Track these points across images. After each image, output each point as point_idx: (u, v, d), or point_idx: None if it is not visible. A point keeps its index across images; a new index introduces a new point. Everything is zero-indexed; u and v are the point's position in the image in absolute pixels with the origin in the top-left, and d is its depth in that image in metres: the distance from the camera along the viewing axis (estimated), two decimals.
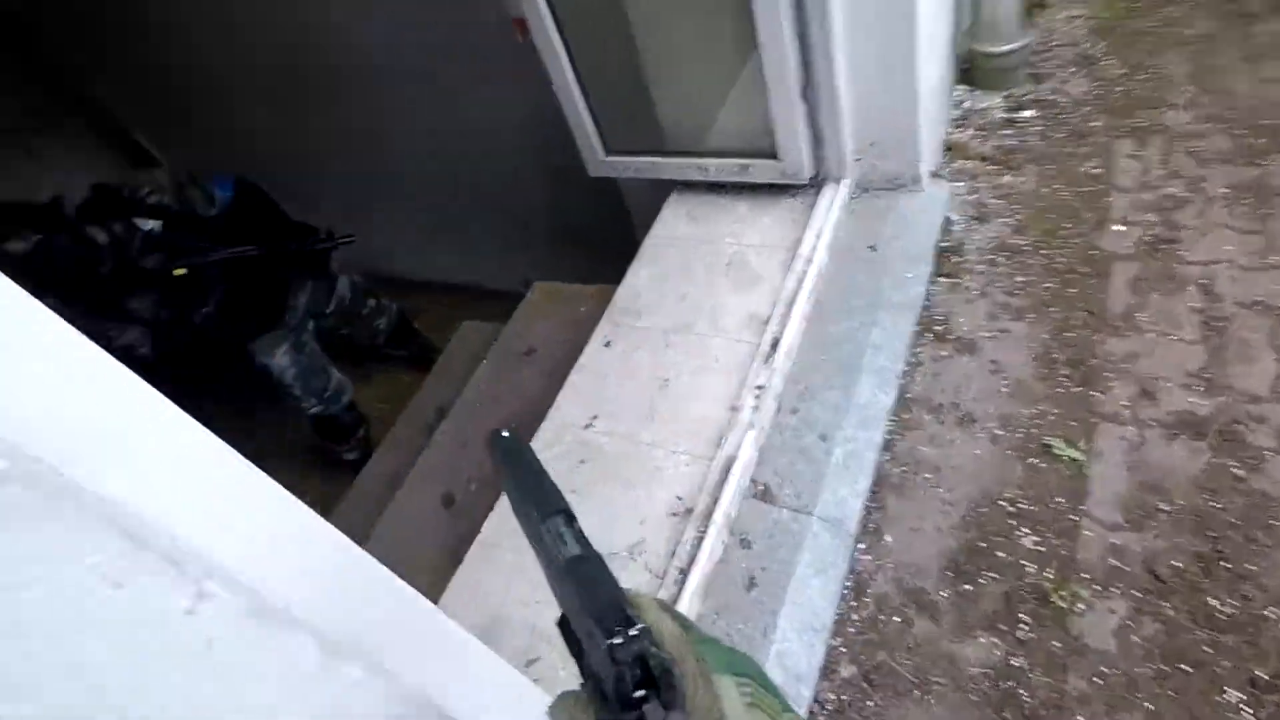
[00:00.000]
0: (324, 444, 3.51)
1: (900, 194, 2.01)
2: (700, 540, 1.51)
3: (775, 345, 1.77)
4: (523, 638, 1.52)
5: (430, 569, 2.08)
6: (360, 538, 2.34)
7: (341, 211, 4.20)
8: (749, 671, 0.45)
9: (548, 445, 1.84)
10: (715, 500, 1.57)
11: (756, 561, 1.53)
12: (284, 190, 3.42)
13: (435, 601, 1.77)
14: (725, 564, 1.53)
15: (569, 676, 1.43)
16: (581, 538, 0.46)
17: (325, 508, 3.35)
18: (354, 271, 3.54)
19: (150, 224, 2.70)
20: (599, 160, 2.25)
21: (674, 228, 2.20)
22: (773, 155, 1.99)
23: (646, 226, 2.27)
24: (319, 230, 3.12)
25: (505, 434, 0.51)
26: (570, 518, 0.45)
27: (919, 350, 1.92)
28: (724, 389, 1.76)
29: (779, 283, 1.91)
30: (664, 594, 1.46)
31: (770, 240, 2.03)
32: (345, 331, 3.54)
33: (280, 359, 3.04)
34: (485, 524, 1.73)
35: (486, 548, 1.70)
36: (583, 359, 1.99)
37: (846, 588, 1.55)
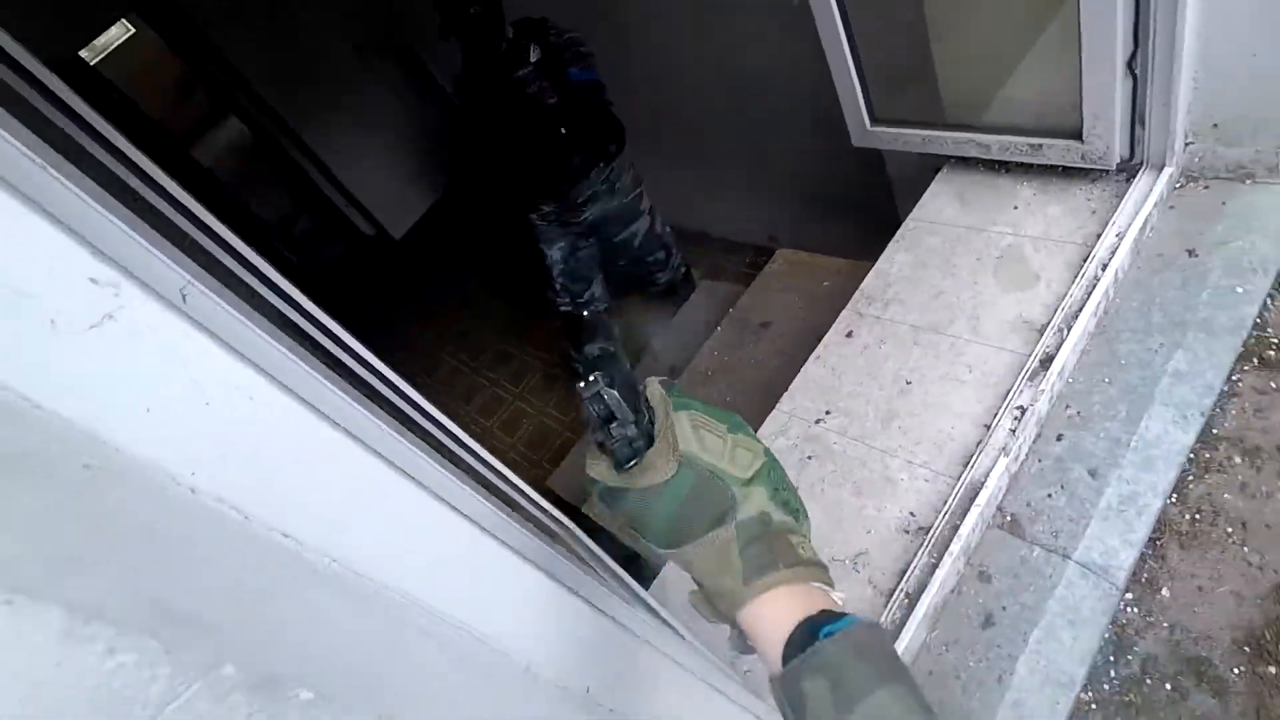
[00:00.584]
0: (563, 342, 3.77)
1: (1243, 187, 1.63)
2: (934, 566, 1.43)
3: (1048, 360, 1.57)
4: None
5: None
6: (582, 498, 2.54)
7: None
8: (707, 411, 0.62)
9: (774, 434, 1.83)
10: (955, 525, 1.46)
11: (995, 599, 1.41)
12: None
13: (656, 566, 1.88)
14: (959, 595, 1.43)
15: None
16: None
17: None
18: (663, 222, 3.53)
19: (536, 52, 2.90)
20: (863, 130, 2.09)
21: (939, 210, 2.01)
22: (1074, 135, 1.71)
23: (909, 202, 2.09)
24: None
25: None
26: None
27: (1237, 379, 1.59)
28: (977, 404, 1.61)
29: (1062, 286, 1.67)
30: (888, 616, 1.41)
31: (1057, 233, 1.77)
32: (623, 264, 3.57)
33: (554, 252, 3.25)
34: None
35: None
36: (821, 348, 1.92)
37: (1105, 640, 1.38)
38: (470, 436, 0.76)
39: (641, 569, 1.86)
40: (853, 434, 1.73)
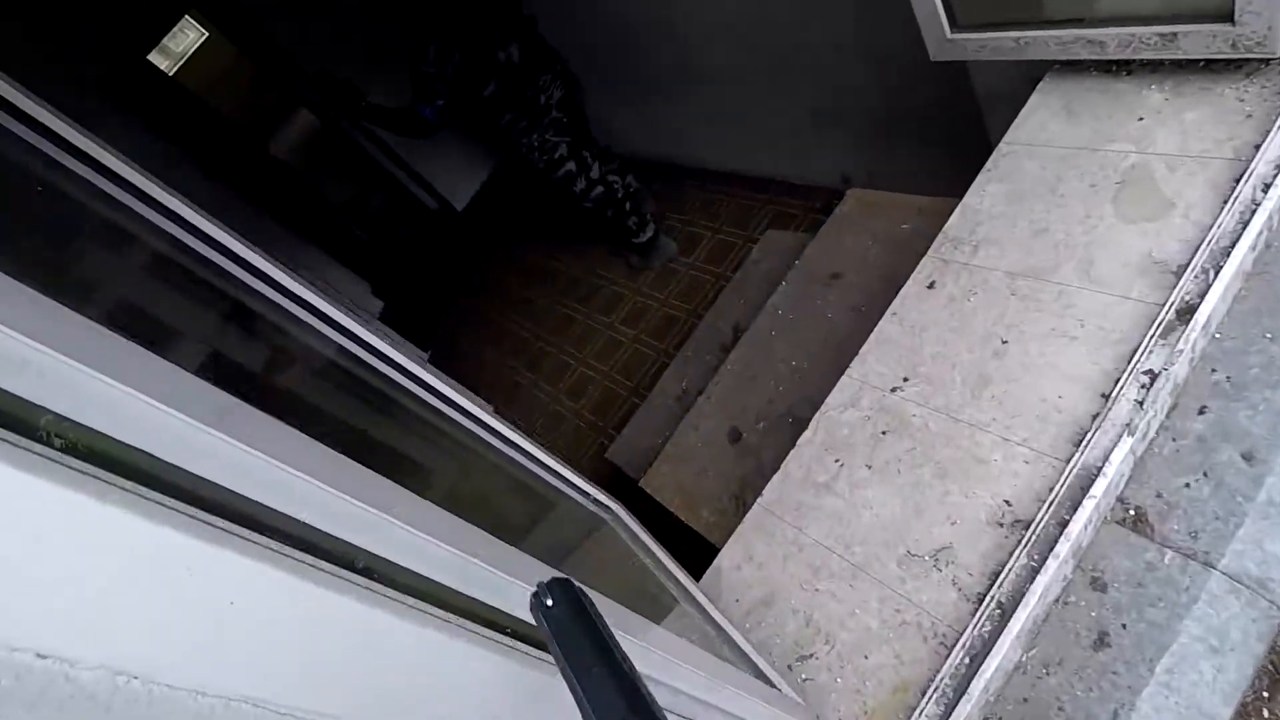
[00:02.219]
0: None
1: None
2: (1034, 569, 1.17)
3: (1187, 311, 1.24)
4: (796, 626, 1.36)
5: (713, 503, 2.01)
6: (655, 452, 2.36)
7: (640, 98, 4.14)
8: None
9: (843, 405, 1.58)
10: (1062, 519, 1.19)
11: (1113, 613, 1.14)
12: (585, 78, 3.45)
13: (715, 545, 1.70)
14: (1065, 606, 1.17)
15: (842, 683, 1.25)
16: None
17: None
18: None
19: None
20: (942, 40, 1.75)
21: (1041, 128, 1.66)
22: (1222, 16, 1.34)
23: (1002, 124, 1.75)
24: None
25: (550, 602, 0.48)
26: None
27: None
28: (1092, 366, 1.31)
29: (1207, 214, 1.32)
30: (975, 629, 1.17)
31: (1197, 147, 1.41)
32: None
33: (531, 139, 3.47)
34: (768, 488, 1.57)
35: (767, 513, 1.54)
36: (898, 302, 1.64)
37: (1260, 674, 1.09)
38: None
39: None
40: (935, 404, 1.46)
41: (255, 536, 0.46)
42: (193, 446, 0.43)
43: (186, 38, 9.50)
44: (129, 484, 0.41)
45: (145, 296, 1.17)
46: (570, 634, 0.47)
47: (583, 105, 3.58)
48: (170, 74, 8.17)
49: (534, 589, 0.51)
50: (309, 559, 0.49)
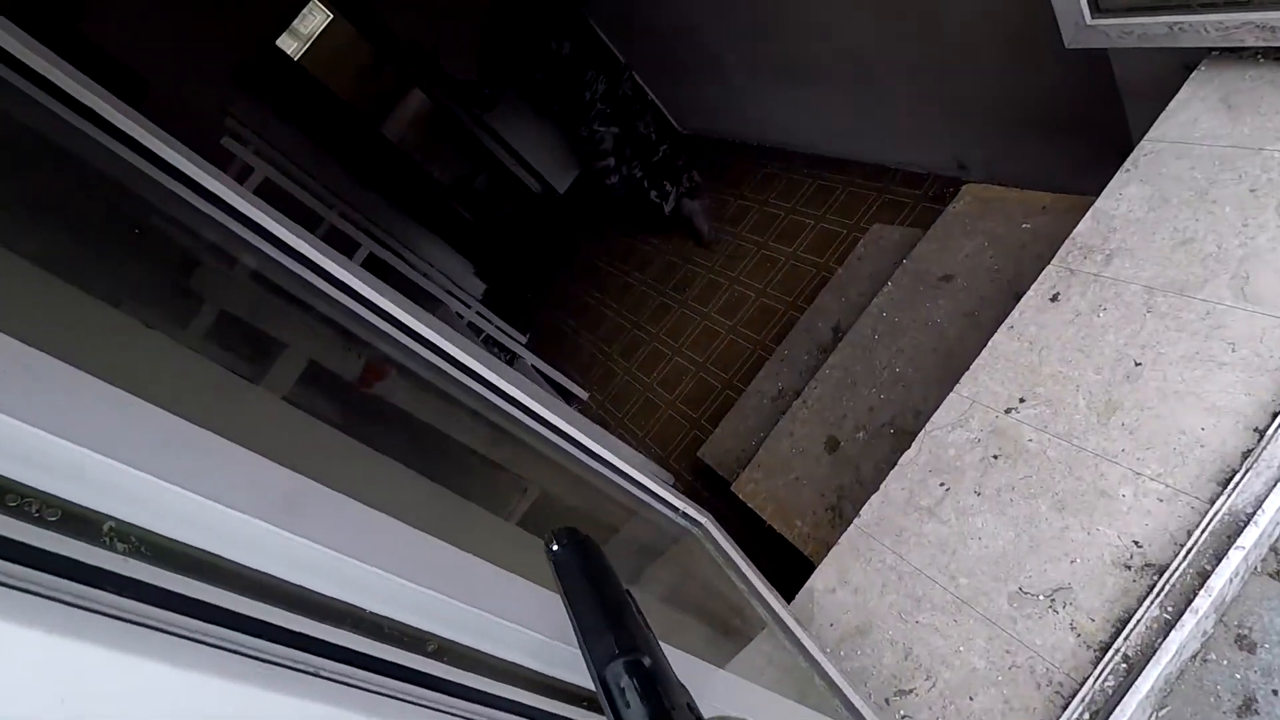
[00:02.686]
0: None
1: None
2: (1169, 622, 1.07)
3: None
4: (894, 659, 1.31)
5: (807, 514, 1.97)
6: (748, 455, 2.33)
7: (752, 82, 4.04)
8: None
9: (951, 425, 1.49)
10: (1203, 569, 1.08)
11: (1262, 676, 1.03)
12: (690, 65, 3.40)
13: (812, 566, 1.66)
14: (1204, 664, 1.07)
15: None
16: (649, 691, 0.42)
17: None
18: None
19: None
20: (1080, 26, 1.60)
21: (1192, 123, 1.49)
22: None
23: (1145, 118, 1.59)
24: None
25: (556, 547, 0.49)
26: (637, 665, 0.42)
27: None
28: (1245, 397, 1.17)
29: None
30: (1097, 683, 1.08)
31: None
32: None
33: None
34: (865, 508, 1.51)
35: (864, 535, 1.48)
36: (1016, 314, 1.53)
37: None
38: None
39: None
40: (1056, 430, 1.35)
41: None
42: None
43: (313, 20, 10.03)
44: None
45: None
46: (573, 577, 0.49)
47: (633, 97, 3.75)
48: (296, 59, 8.65)
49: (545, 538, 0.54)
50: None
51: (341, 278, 1.15)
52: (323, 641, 0.47)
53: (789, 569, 1.79)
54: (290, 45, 9.75)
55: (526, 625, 0.57)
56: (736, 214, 4.46)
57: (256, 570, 0.44)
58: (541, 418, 1.44)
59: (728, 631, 1.43)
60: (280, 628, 0.46)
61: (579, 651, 0.47)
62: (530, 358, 4.21)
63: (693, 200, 4.22)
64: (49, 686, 0.33)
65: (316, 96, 6.24)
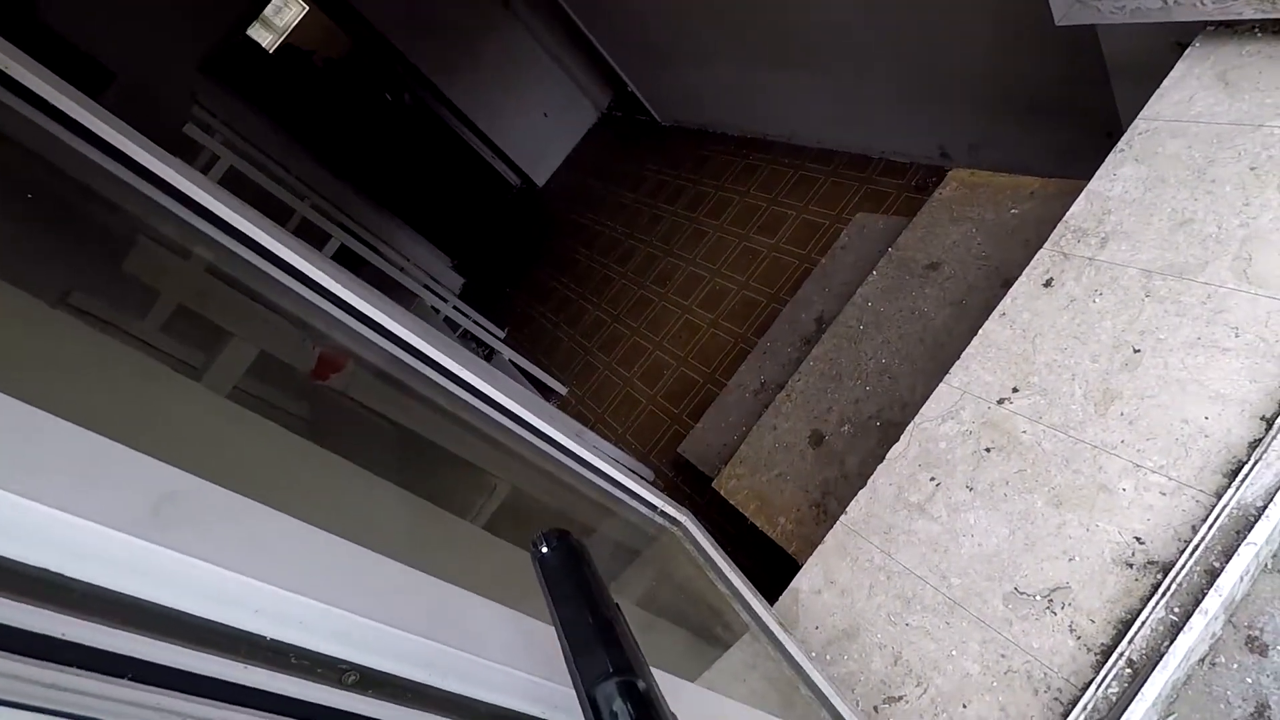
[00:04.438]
0: None
1: None
2: (1176, 625, 1.00)
3: None
4: (883, 664, 1.24)
5: (792, 511, 1.90)
6: (730, 450, 2.26)
7: (736, 72, 3.97)
8: None
9: (941, 417, 1.42)
10: (1212, 567, 1.01)
11: (1275, 680, 0.96)
12: (678, 53, 3.31)
13: (797, 564, 1.58)
14: (1214, 668, 1.00)
15: None
16: (642, 718, 0.39)
17: None
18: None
19: None
20: (1073, 1, 1.54)
21: (1188, 101, 1.43)
22: None
23: (1137, 98, 1.53)
24: None
25: (545, 549, 0.46)
26: (630, 687, 0.39)
27: None
28: (1250, 384, 1.11)
29: None
30: (1100, 689, 1.01)
31: None
32: None
33: None
34: (852, 505, 1.44)
35: (850, 534, 1.41)
36: (1008, 301, 1.47)
37: None
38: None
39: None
40: (1051, 420, 1.29)
41: None
42: None
43: (289, 12, 9.83)
44: None
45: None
46: (562, 583, 0.47)
47: None
48: (270, 50, 8.46)
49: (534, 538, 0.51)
50: None
51: (305, 270, 1.06)
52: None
53: (772, 569, 1.72)
54: (265, 38, 9.54)
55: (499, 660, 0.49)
56: (717, 206, 4.39)
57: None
58: (516, 415, 1.36)
59: (707, 636, 1.36)
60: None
61: (563, 666, 0.44)
62: (508, 352, 4.12)
63: None
64: None
65: (293, 90, 6.11)
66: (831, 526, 1.46)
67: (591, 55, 5.48)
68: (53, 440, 0.38)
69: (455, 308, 4.48)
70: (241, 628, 0.42)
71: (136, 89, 4.63)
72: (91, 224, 1.01)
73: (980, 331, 1.46)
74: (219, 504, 0.44)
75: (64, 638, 0.37)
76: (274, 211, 3.85)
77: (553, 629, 0.49)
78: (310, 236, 3.64)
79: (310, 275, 1.12)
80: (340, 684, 0.47)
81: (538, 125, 6.06)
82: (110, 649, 0.37)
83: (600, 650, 0.42)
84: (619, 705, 0.40)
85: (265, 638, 0.43)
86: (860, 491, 1.44)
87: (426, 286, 4.51)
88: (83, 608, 0.37)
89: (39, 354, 0.61)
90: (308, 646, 0.45)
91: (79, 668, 0.37)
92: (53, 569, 0.36)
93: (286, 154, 5.18)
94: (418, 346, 1.26)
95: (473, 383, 1.30)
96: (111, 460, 0.40)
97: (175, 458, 0.45)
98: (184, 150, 3.48)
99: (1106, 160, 1.49)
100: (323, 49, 8.65)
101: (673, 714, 0.41)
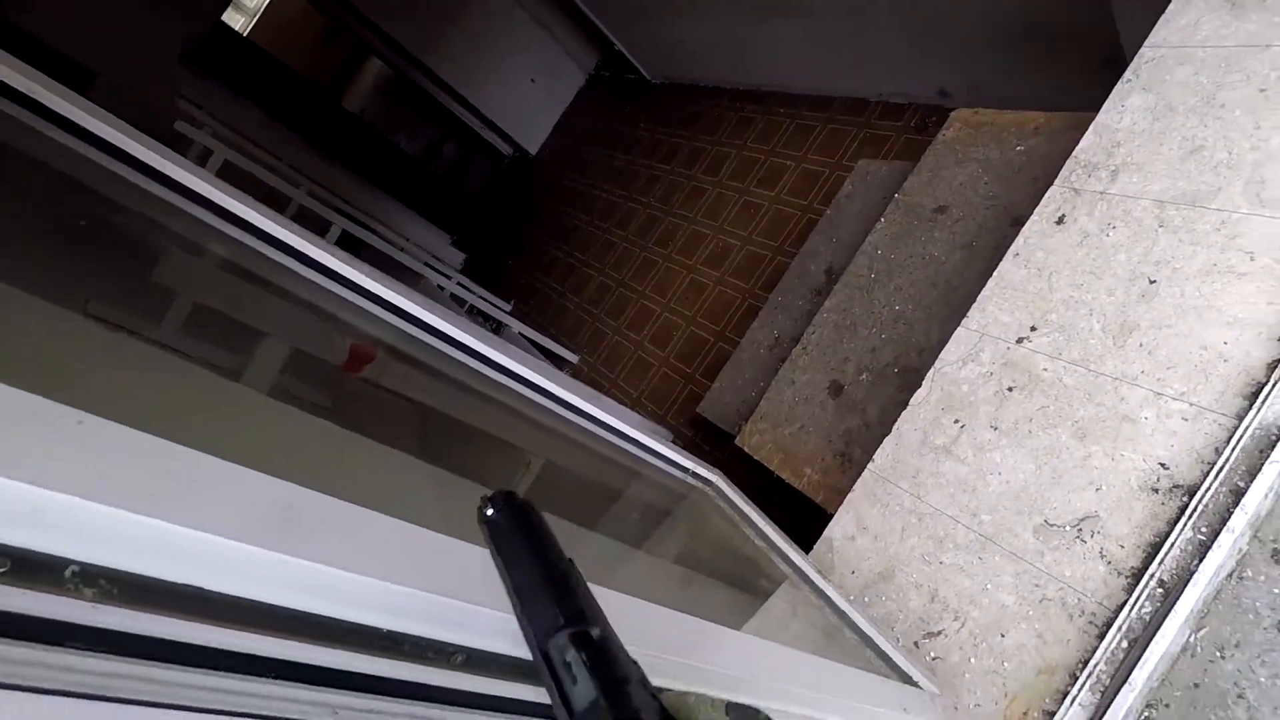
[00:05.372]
0: None
1: None
2: (1204, 544, 1.04)
3: None
4: (920, 602, 1.29)
5: (817, 462, 1.94)
6: (750, 407, 2.29)
7: (725, 21, 3.90)
8: None
9: (961, 360, 1.45)
10: (1236, 487, 1.05)
11: None
12: (664, 5, 3.24)
13: (825, 513, 1.63)
14: (1242, 581, 1.04)
15: (976, 663, 1.18)
16: (599, 666, 0.37)
17: None
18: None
19: None
20: None
21: (1194, 25, 1.42)
22: None
23: (1142, 26, 1.51)
24: None
25: (491, 511, 0.44)
26: (584, 637, 0.38)
27: None
28: (1268, 307, 1.13)
29: None
30: (1134, 610, 1.06)
31: None
32: None
33: None
34: (879, 452, 1.47)
35: (879, 479, 1.45)
36: (1021, 241, 1.48)
37: None
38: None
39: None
40: (1071, 356, 1.31)
41: None
42: None
43: None
44: None
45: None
46: (510, 542, 0.44)
47: None
48: (245, 33, 8.34)
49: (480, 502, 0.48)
50: None
51: (334, 266, 1.08)
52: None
53: (799, 519, 1.77)
54: (236, 22, 9.35)
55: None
56: (715, 162, 4.35)
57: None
58: (540, 387, 1.39)
59: (748, 588, 1.41)
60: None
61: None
62: (517, 325, 4.13)
63: None
64: None
65: (272, 73, 6.01)
66: (858, 475, 1.50)
67: (574, 14, 5.38)
68: (180, 465, 0.41)
69: (460, 284, 4.48)
70: (361, 622, 0.46)
71: (121, 86, 4.57)
72: (145, 248, 1.03)
73: (995, 272, 1.48)
74: (324, 510, 0.47)
75: (208, 644, 0.40)
76: (272, 202, 3.83)
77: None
78: (310, 224, 3.64)
79: (341, 271, 1.14)
80: (449, 665, 0.50)
81: (525, 92, 5.97)
82: (253, 651, 0.40)
83: (549, 603, 0.39)
84: (573, 656, 0.37)
85: (381, 630, 0.47)
86: (885, 439, 1.48)
87: (429, 265, 4.51)
88: (228, 618, 0.40)
89: (140, 385, 0.64)
90: (419, 634, 0.48)
91: (226, 671, 0.41)
92: (194, 584, 0.39)
93: (275, 139, 5.13)
94: (440, 328, 1.28)
95: (497, 359, 1.33)
96: (232, 480, 0.43)
97: (270, 468, 0.48)
98: (178, 146, 3.45)
99: (1113, 91, 1.48)
100: (295, 38, 8.50)
101: (632, 660, 0.39)
